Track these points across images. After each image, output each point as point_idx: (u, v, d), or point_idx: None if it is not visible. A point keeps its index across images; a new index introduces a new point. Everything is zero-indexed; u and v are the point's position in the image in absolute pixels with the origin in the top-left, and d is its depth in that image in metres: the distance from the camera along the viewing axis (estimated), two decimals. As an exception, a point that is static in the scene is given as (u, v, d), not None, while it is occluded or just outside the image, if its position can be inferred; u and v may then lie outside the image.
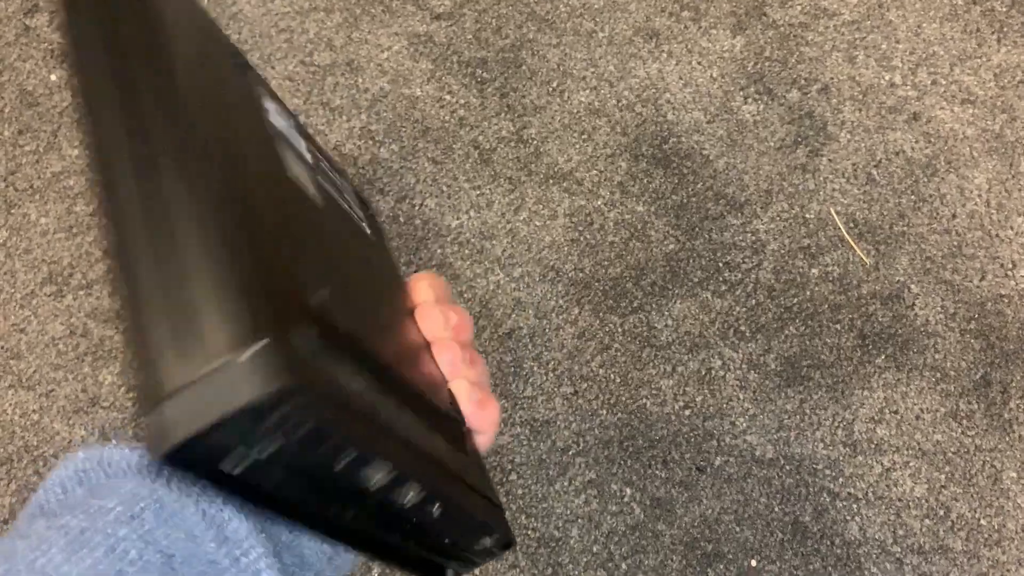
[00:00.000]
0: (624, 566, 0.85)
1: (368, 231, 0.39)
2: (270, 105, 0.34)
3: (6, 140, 1.01)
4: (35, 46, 1.06)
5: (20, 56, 1.05)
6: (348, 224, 0.36)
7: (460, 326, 0.37)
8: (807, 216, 1.00)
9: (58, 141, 1.00)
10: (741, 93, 1.05)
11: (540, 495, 0.86)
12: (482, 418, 0.36)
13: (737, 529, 0.87)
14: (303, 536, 0.31)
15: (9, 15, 1.07)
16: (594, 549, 0.86)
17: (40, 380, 0.90)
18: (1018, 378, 0.94)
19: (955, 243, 1.00)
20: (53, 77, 1.05)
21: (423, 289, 0.38)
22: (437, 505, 0.29)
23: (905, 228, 1.00)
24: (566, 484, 0.87)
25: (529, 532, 0.85)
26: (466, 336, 0.37)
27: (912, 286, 0.98)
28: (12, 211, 0.97)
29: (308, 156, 0.35)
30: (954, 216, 1.01)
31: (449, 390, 0.36)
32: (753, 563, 0.87)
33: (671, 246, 0.97)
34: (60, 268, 0.94)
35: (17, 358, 0.91)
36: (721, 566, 0.86)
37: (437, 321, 0.37)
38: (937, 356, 0.95)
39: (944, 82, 1.06)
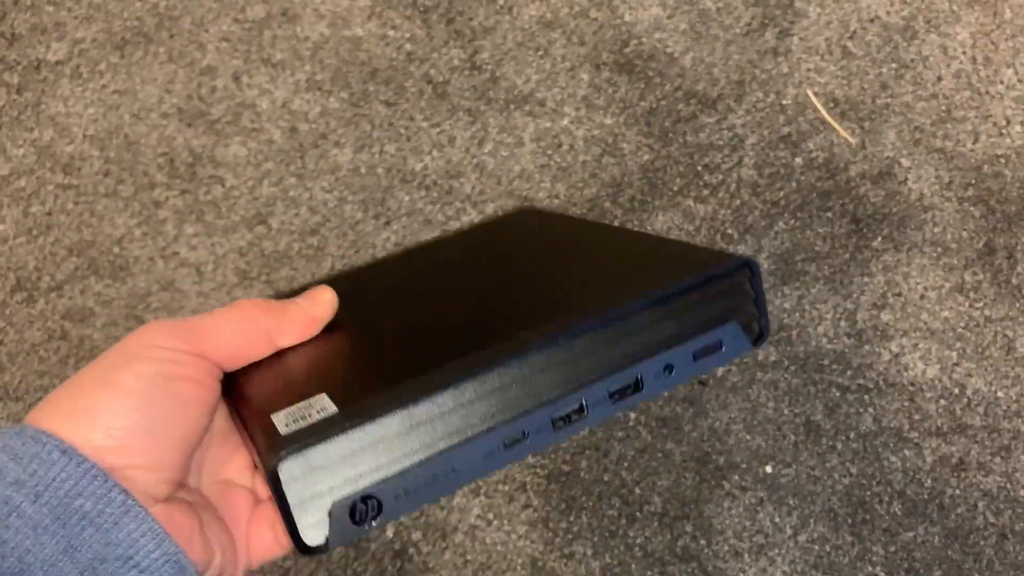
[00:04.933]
0: (638, 490, 0.84)
1: None
2: None
3: (-51, 149, 0.97)
4: (-42, 46, 1.01)
5: (-55, 59, 1.00)
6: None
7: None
8: (784, 102, 0.95)
9: (1, 142, 0.97)
10: (700, -20, 0.98)
11: (542, 433, 0.85)
12: None
13: (748, 437, 0.85)
14: None
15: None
16: (605, 478, 0.84)
17: (27, 389, 0.89)
18: (1023, 240, 0.90)
19: (943, 107, 0.94)
20: (-17, 76, 1.00)
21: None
22: None
23: (889, 99, 0.94)
24: (567, 418, 0.85)
25: (537, 471, 0.84)
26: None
27: (902, 160, 0.93)
28: (-33, 222, 0.94)
29: None
30: (939, 79, 0.95)
31: None
32: (768, 469, 0.85)
33: (645, 156, 0.93)
34: (27, 273, 0.92)
35: (1, 371, 0.90)
36: (736, 476, 0.85)
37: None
38: (936, 230, 0.90)
39: (916, -67, 0.99)
